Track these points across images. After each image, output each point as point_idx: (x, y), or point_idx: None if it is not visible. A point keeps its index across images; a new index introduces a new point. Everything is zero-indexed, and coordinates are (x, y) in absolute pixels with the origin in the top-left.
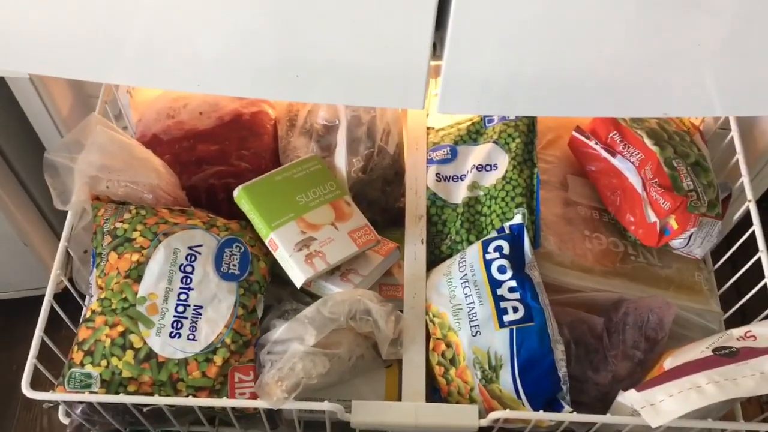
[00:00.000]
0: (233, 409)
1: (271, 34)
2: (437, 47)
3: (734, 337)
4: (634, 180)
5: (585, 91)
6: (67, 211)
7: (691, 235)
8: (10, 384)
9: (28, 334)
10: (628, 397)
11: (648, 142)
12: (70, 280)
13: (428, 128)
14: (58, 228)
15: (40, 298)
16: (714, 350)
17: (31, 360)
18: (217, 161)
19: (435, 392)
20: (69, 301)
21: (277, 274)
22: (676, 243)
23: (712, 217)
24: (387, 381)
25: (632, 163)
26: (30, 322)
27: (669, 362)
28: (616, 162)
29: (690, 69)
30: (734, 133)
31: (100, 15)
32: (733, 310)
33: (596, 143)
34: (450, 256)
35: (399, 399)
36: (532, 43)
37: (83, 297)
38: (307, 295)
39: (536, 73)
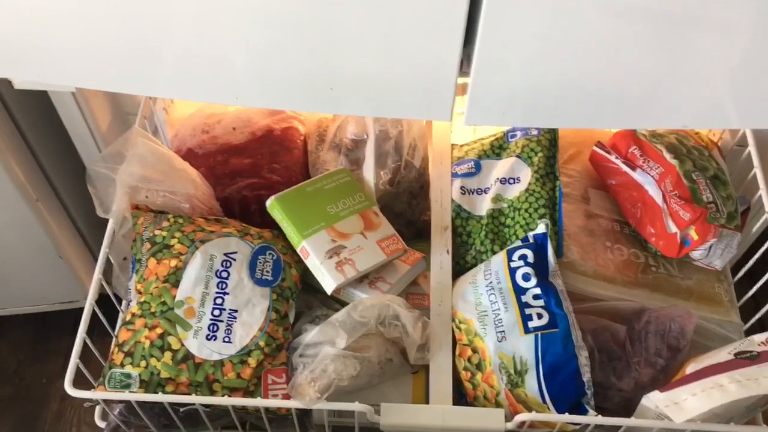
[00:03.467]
0: (266, 410)
1: (306, 48)
2: (464, 64)
3: (756, 342)
4: (654, 193)
5: (606, 103)
6: (100, 226)
7: (711, 246)
8: (40, 397)
9: (59, 348)
10: (653, 399)
11: (667, 156)
12: (108, 285)
13: (452, 145)
14: (92, 242)
15: (69, 312)
16: (736, 354)
17: (74, 360)
18: (250, 174)
19: (461, 397)
20: (102, 311)
21: (307, 282)
22: (696, 254)
23: (731, 229)
24: (414, 386)
25: (652, 176)
26: (61, 336)
27: (691, 368)
28: (637, 176)
29: (708, 83)
30: (751, 147)
31: (141, 30)
32: (753, 320)
33: (617, 158)
34: (474, 266)
35: (426, 403)
36: (555, 58)
37: (120, 302)
38: (336, 302)
39: (559, 87)
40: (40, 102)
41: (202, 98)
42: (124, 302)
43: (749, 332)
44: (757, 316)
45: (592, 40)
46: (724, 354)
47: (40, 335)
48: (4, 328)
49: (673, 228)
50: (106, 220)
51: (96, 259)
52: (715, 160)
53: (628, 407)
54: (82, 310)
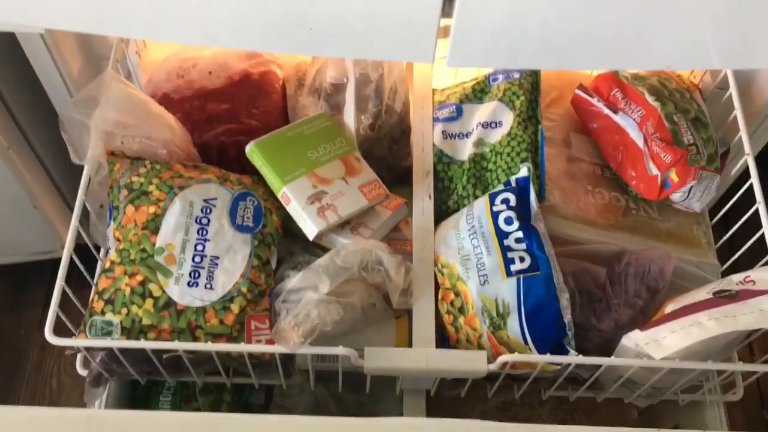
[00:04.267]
0: (250, 356)
1: None
2: (446, 4)
3: (734, 281)
4: (636, 136)
5: (588, 44)
6: (74, 174)
7: (690, 189)
8: (19, 347)
9: (36, 299)
10: (632, 337)
11: (649, 98)
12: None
13: (433, 89)
14: (66, 191)
15: (46, 263)
16: (714, 293)
17: (53, 308)
18: (228, 119)
19: (444, 341)
20: (80, 259)
21: (289, 229)
22: (676, 196)
23: (711, 171)
24: (397, 331)
25: (634, 119)
26: (38, 287)
27: (670, 308)
28: (618, 119)
29: (690, 22)
30: (732, 90)
31: None
32: (730, 261)
33: (598, 101)
34: (456, 211)
35: (409, 347)
36: None
37: (98, 251)
38: (318, 249)
39: (542, 27)
40: (8, 46)
41: (176, 39)
42: (102, 250)
43: (726, 274)
44: (734, 258)
45: None
46: (702, 293)
47: (17, 286)
48: None
49: (654, 170)
50: (81, 169)
51: (71, 209)
52: (696, 102)
53: (608, 348)
54: (58, 260)
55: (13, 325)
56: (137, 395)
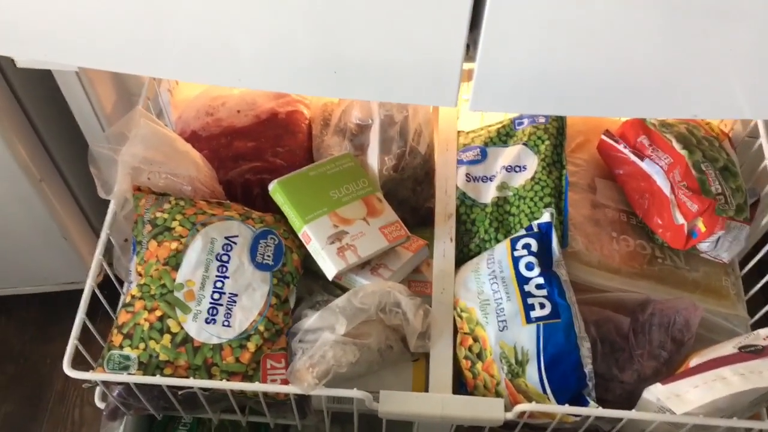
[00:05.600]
0: (265, 395)
1: (310, 31)
2: (470, 48)
3: (761, 336)
4: (662, 183)
5: (615, 91)
6: (104, 206)
7: (718, 239)
8: (44, 377)
9: (63, 328)
10: (654, 391)
11: (677, 146)
12: (110, 267)
13: (458, 131)
14: (96, 223)
15: (75, 293)
16: (740, 348)
17: (72, 341)
18: (253, 158)
19: (461, 386)
20: (105, 293)
21: (309, 268)
22: (703, 246)
23: (740, 221)
24: (414, 374)
25: (661, 166)
26: (65, 317)
27: (695, 362)
28: (645, 165)
29: (720, 72)
30: (763, 139)
31: (145, 10)
32: (759, 315)
33: (625, 147)
34: (478, 254)
35: (426, 392)
36: (563, 43)
37: (121, 284)
38: (337, 288)
39: (567, 73)
40: (45, 82)
41: (205, 80)
42: (125, 284)
43: (756, 326)
44: (764, 309)
45: (602, 26)
46: (728, 347)
47: (45, 316)
48: (9, 308)
49: (681, 219)
50: (110, 201)
51: None
52: (726, 151)
53: (630, 400)
54: None
55: (40, 355)
56: (154, 430)
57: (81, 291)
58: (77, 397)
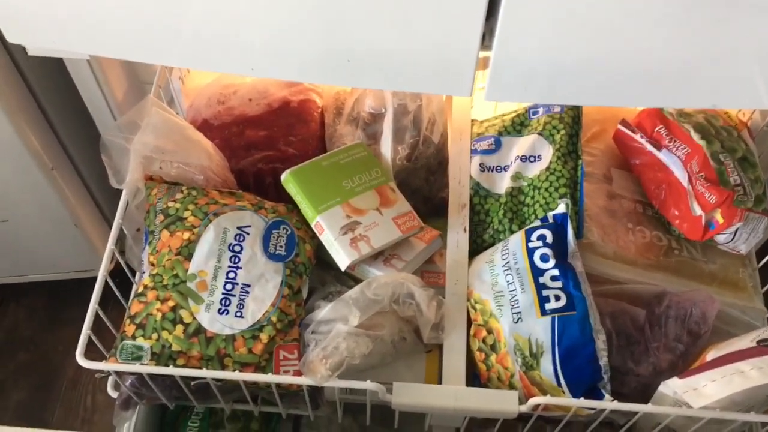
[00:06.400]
0: (277, 386)
1: (323, 19)
2: (486, 37)
3: None
4: (680, 174)
5: (632, 80)
6: (116, 194)
7: (736, 230)
8: (56, 364)
9: (74, 317)
10: (671, 385)
11: (695, 136)
12: (122, 256)
13: (472, 120)
14: (107, 211)
15: (86, 281)
16: (758, 342)
17: (85, 331)
18: (265, 147)
19: (475, 378)
20: (117, 281)
21: (322, 258)
22: (721, 238)
23: (758, 213)
24: (427, 366)
25: (678, 157)
26: (76, 305)
27: (712, 355)
28: (662, 156)
29: (739, 61)
30: None
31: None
32: None
33: (642, 137)
34: (492, 245)
35: (439, 383)
36: (580, 31)
37: (134, 274)
38: (350, 279)
39: (583, 63)
40: (56, 70)
41: (217, 68)
42: (138, 274)
43: None
44: None
45: (619, 14)
46: (746, 341)
47: (57, 303)
48: (21, 295)
49: (698, 210)
50: (122, 190)
51: (111, 228)
52: (744, 142)
53: (645, 393)
54: (96, 279)
55: (51, 342)
56: (166, 420)
57: (91, 279)
58: (90, 383)
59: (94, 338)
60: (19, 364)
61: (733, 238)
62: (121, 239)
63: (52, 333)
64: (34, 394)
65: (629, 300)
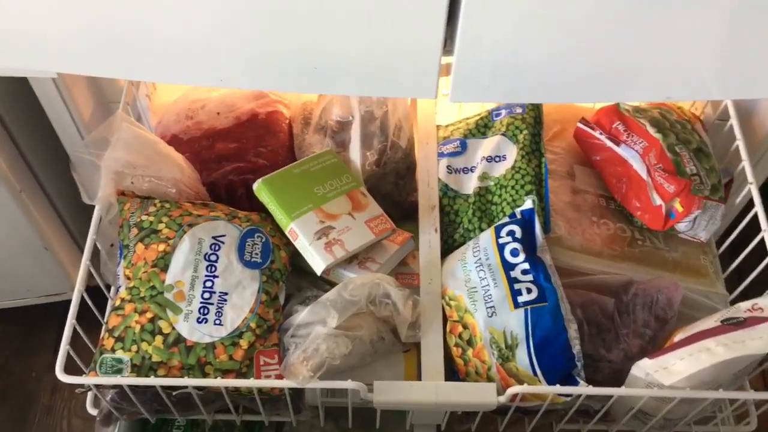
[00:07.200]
0: (259, 391)
1: (290, 28)
2: (447, 42)
3: (742, 309)
4: (639, 167)
5: (588, 77)
6: (84, 216)
7: (695, 218)
8: (29, 391)
9: (46, 342)
10: (642, 366)
11: (651, 130)
12: (97, 273)
13: (437, 125)
14: (76, 233)
15: (57, 305)
16: (722, 321)
17: (64, 346)
18: (236, 158)
19: (453, 374)
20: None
21: (296, 264)
22: (681, 226)
23: (715, 201)
24: (406, 365)
25: (636, 151)
26: (48, 330)
27: (679, 337)
28: (621, 151)
29: (689, 55)
30: (733, 120)
31: (123, 13)
32: (738, 291)
33: (601, 133)
34: (463, 244)
35: (419, 380)
36: (537, 33)
37: (108, 290)
38: (326, 284)
39: (542, 63)
40: (21, 92)
41: (187, 81)
42: (112, 289)
43: (734, 303)
44: (742, 287)
45: (575, 15)
46: (711, 321)
47: (28, 329)
48: None
49: (658, 200)
50: (90, 210)
51: (81, 250)
52: (698, 134)
53: (618, 378)
54: (68, 302)
55: (24, 369)
56: None
57: (61, 303)
58: (64, 409)
59: (73, 354)
60: None
61: (692, 226)
62: (94, 256)
63: (24, 359)
64: (8, 422)
65: (598, 290)
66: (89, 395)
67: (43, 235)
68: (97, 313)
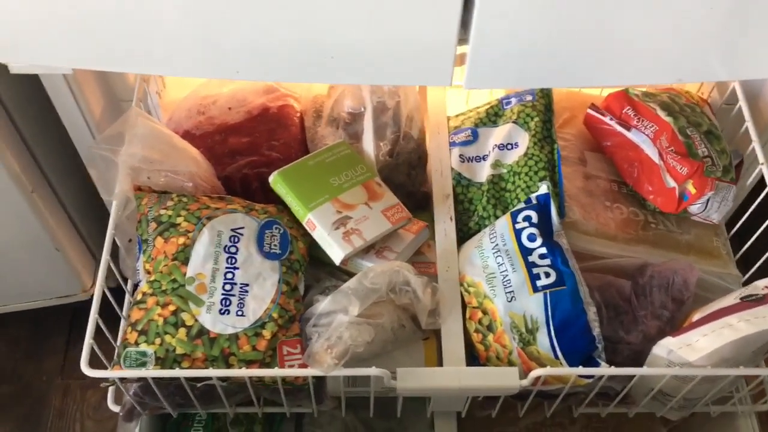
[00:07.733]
0: (283, 381)
1: (305, 18)
2: (461, 31)
3: (760, 287)
4: (650, 151)
5: (598, 61)
6: (94, 217)
7: (708, 200)
8: (41, 394)
9: (56, 345)
10: (665, 344)
11: (661, 113)
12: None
13: (447, 117)
14: (86, 234)
15: (67, 308)
16: (742, 298)
17: (88, 340)
18: (249, 152)
19: (474, 359)
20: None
21: (314, 256)
22: (694, 208)
23: (727, 182)
24: (426, 352)
25: (647, 135)
26: (58, 333)
27: (697, 316)
28: (632, 135)
29: (698, 36)
30: (741, 102)
31: (136, 7)
32: (752, 270)
33: (611, 119)
34: (478, 231)
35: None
36: (551, 17)
37: (127, 285)
38: (344, 274)
39: (556, 46)
40: (33, 92)
41: (202, 74)
42: (130, 284)
43: (747, 284)
44: (756, 266)
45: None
46: (730, 299)
47: (37, 333)
48: (1, 326)
49: (671, 183)
50: (101, 211)
51: (92, 251)
52: (708, 116)
53: (637, 360)
54: (79, 305)
55: (35, 372)
56: (168, 429)
57: (71, 306)
58: (77, 411)
59: (96, 348)
60: (3, 397)
61: (705, 208)
62: (113, 252)
63: (35, 363)
64: (21, 426)
65: (614, 273)
66: (110, 391)
67: (54, 235)
68: (116, 308)
